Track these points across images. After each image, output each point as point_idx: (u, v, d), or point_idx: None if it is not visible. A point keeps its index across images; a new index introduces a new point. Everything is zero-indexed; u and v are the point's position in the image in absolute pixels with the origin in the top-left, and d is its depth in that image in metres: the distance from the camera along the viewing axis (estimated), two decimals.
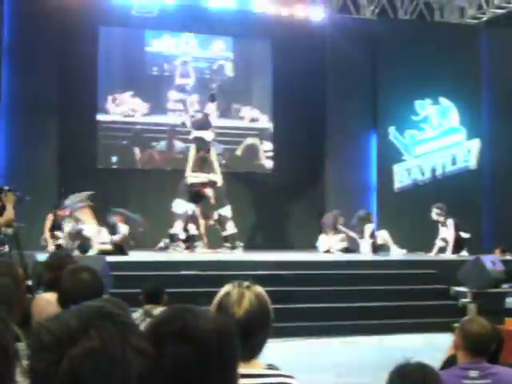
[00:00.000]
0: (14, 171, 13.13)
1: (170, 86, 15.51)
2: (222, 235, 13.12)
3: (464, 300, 11.06)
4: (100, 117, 14.92)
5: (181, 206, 12.83)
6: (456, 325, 5.60)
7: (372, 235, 13.86)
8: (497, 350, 3.86)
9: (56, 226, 12.26)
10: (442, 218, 13.52)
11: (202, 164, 13.02)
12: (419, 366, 2.75)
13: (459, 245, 13.46)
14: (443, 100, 16.06)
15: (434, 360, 5.08)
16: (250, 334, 2.15)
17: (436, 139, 16.11)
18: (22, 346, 2.75)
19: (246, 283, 2.29)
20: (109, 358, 1.02)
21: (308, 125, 15.38)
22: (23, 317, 3.36)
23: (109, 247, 11.74)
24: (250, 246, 13.63)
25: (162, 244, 12.86)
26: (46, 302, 3.77)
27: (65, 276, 3.45)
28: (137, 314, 5.29)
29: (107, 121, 15.05)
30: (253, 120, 15.91)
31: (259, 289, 2.31)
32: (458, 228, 13.44)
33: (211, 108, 13.63)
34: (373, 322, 10.48)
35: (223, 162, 14.83)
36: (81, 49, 14.14)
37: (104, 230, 11.96)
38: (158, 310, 4.95)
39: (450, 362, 3.96)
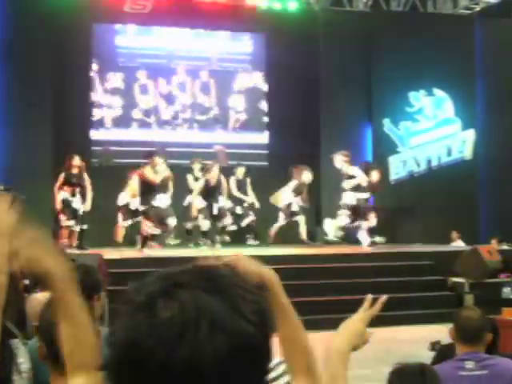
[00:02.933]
0: (10, 172, 13.04)
1: (161, 91, 14.89)
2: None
3: (461, 290, 11.09)
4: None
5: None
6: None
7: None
8: (494, 341, 3.85)
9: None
10: (347, 165, 12.63)
11: None
12: (418, 367, 2.74)
13: (374, 187, 13.17)
14: (437, 91, 16.05)
15: (432, 351, 5.11)
16: None
17: (431, 130, 16.10)
18: (16, 342, 2.75)
19: None
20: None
21: (302, 117, 15.35)
22: (19, 316, 3.35)
23: None
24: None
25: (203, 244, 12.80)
26: (38, 303, 3.75)
27: None
28: None
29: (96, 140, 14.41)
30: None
31: None
32: (366, 172, 12.87)
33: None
34: None
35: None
36: (74, 47, 14.08)
37: None
38: None
39: (443, 354, 3.96)
